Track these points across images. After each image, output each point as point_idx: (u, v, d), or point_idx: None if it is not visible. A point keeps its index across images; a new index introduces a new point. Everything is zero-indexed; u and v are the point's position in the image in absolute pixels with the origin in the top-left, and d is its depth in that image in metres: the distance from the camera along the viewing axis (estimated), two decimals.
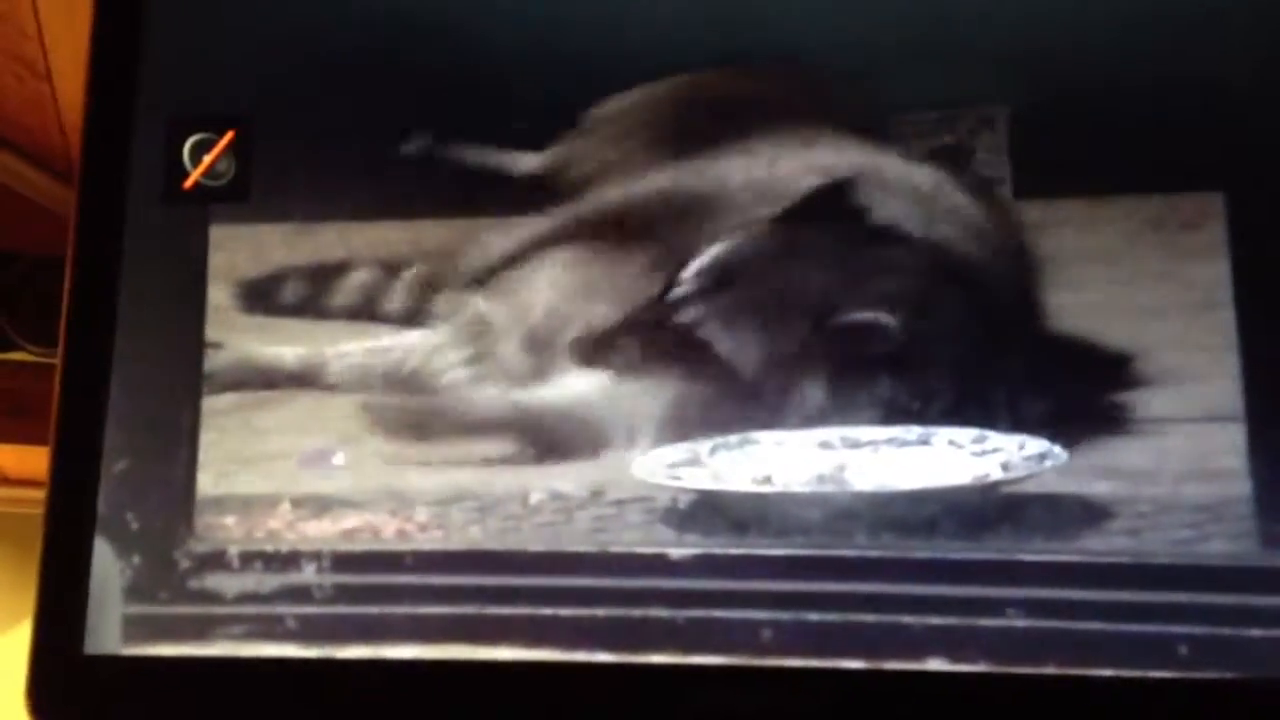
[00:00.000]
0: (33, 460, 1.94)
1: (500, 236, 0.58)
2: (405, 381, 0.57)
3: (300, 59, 0.60)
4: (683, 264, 0.55)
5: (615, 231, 0.56)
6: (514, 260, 0.57)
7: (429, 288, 0.58)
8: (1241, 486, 0.49)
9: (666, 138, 0.57)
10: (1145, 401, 0.50)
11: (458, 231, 0.58)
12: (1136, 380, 0.51)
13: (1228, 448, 0.49)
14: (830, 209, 0.54)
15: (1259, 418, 0.50)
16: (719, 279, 0.54)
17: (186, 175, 0.59)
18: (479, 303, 0.57)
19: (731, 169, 0.56)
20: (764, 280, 0.54)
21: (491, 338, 0.57)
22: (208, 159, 0.59)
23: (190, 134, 0.59)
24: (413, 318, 0.58)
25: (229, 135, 0.59)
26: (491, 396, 0.56)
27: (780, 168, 0.55)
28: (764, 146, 0.56)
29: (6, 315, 1.76)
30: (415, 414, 0.56)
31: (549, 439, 0.55)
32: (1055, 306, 0.52)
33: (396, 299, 0.58)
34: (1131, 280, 0.52)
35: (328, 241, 0.59)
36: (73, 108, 1.60)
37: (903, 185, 0.54)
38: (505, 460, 0.55)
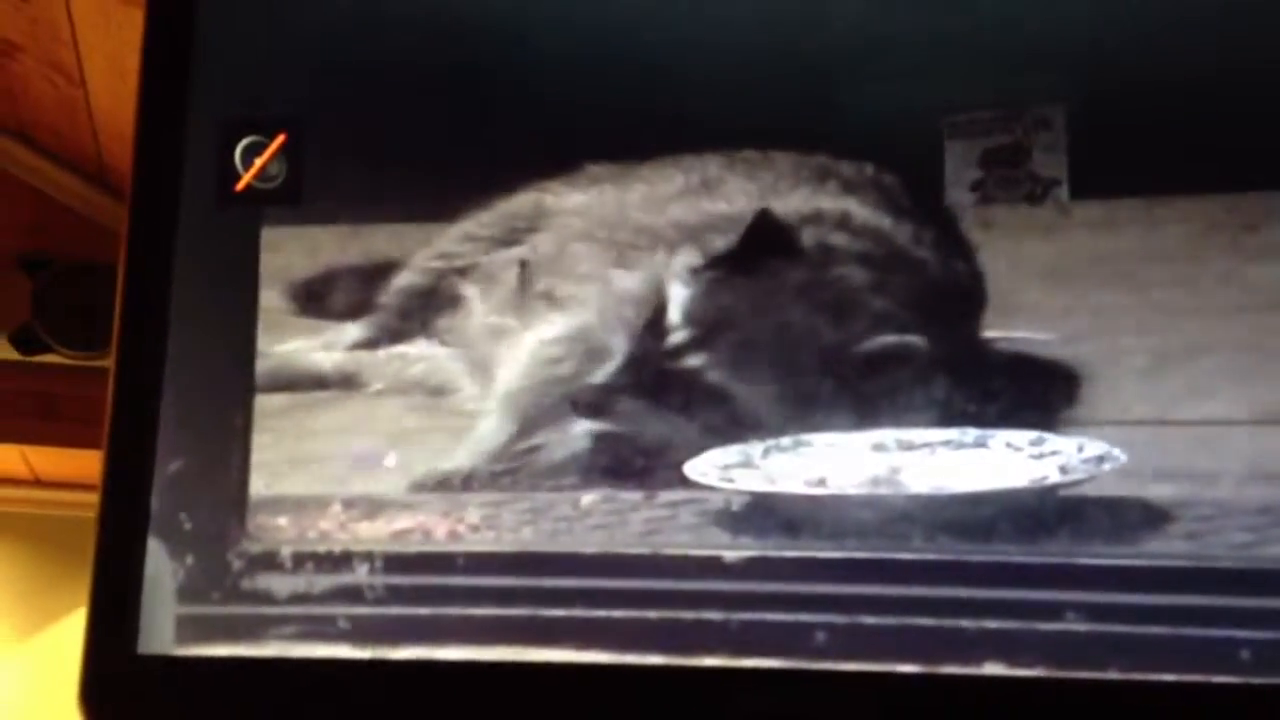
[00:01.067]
0: (65, 463, 1.95)
1: None
2: (440, 388, 0.57)
3: (350, 61, 0.60)
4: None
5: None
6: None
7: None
8: None
9: None
10: (1205, 403, 0.50)
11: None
12: (1196, 382, 0.50)
13: None
14: (775, 241, 0.54)
15: None
16: (712, 322, 0.54)
17: (238, 178, 0.59)
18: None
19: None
20: (760, 318, 0.54)
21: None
22: (259, 162, 0.59)
23: (242, 137, 0.59)
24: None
25: (280, 138, 0.59)
26: None
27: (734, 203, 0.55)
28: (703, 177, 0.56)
29: (38, 318, 1.77)
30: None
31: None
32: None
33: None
34: (1192, 281, 0.51)
35: (379, 244, 0.59)
36: (106, 113, 1.62)
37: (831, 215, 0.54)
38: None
